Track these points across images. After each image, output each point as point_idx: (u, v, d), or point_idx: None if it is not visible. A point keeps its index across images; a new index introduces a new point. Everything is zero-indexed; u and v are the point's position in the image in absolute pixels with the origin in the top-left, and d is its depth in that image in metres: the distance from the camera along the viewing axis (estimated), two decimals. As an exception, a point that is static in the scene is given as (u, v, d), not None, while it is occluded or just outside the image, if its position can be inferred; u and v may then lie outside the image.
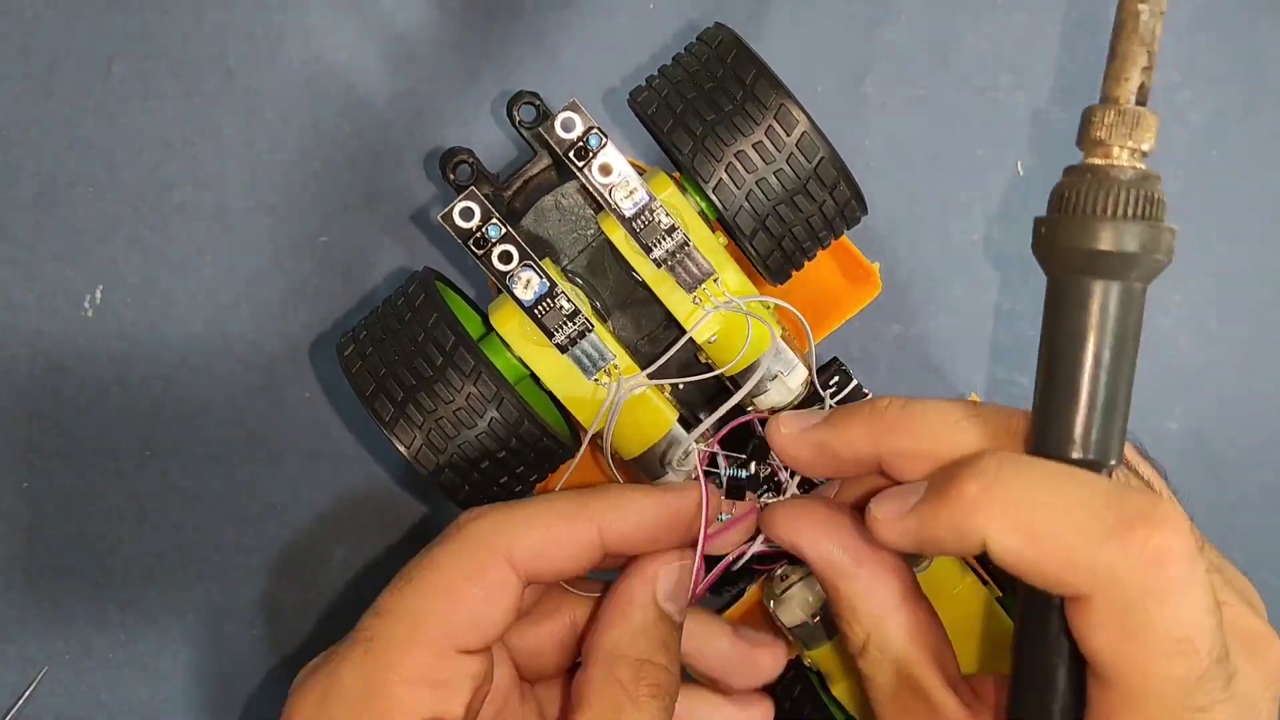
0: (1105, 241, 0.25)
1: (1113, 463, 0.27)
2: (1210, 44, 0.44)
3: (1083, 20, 0.44)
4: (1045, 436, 0.27)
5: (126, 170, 0.44)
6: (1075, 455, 0.26)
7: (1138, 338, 0.26)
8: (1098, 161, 0.26)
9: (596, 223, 0.36)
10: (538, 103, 0.37)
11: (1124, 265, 0.25)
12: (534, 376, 0.36)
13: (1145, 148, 0.25)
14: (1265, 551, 0.44)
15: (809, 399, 0.37)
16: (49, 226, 0.44)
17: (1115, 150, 0.25)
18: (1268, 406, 0.44)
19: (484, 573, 0.30)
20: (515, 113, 0.37)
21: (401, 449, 0.34)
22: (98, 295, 0.44)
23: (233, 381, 0.44)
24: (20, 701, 0.44)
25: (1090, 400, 0.26)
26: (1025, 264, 0.44)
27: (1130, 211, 0.25)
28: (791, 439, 0.32)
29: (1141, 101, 0.25)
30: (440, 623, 0.29)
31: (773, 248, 0.35)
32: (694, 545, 0.33)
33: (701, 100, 0.34)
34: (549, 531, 0.31)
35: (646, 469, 0.36)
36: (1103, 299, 0.25)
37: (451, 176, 0.38)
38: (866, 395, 0.38)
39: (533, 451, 0.35)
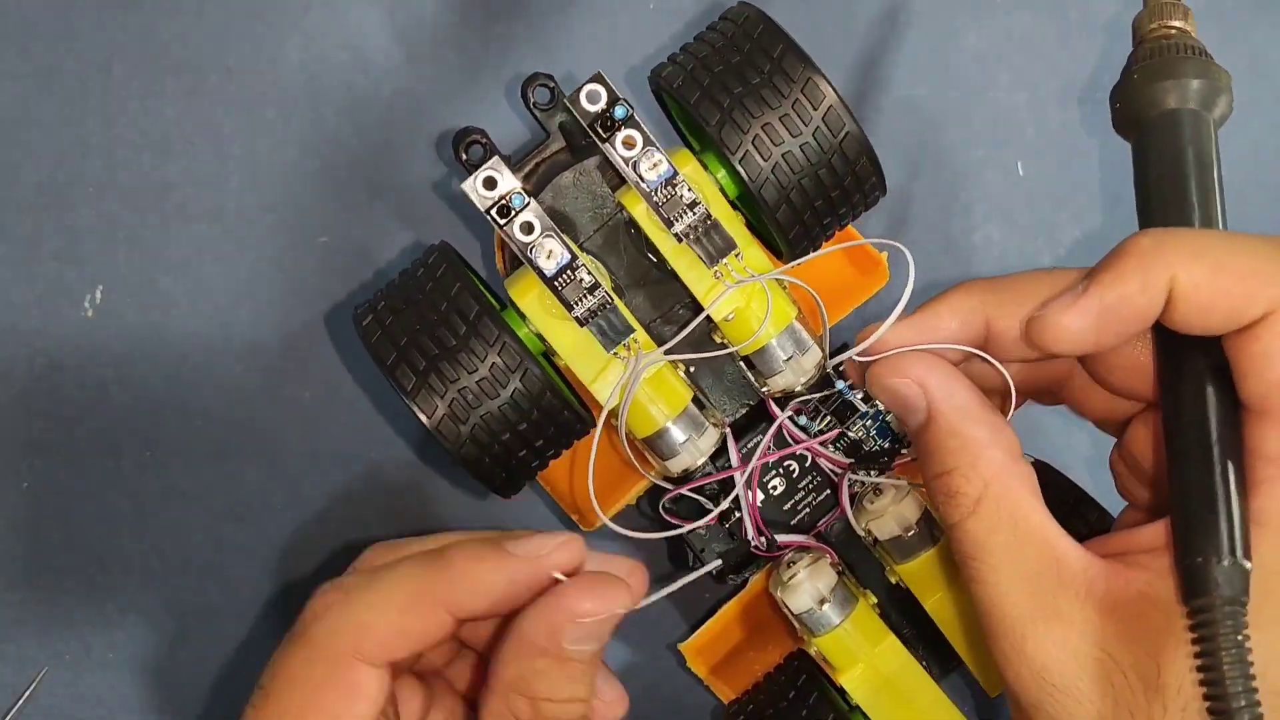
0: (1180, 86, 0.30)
1: None
2: (1210, 44, 0.44)
3: (1083, 20, 0.44)
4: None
5: (126, 170, 0.44)
6: None
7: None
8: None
9: (614, 201, 0.36)
10: (552, 85, 0.37)
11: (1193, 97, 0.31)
12: (549, 352, 0.36)
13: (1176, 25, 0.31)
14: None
15: (819, 385, 0.37)
16: (49, 226, 0.44)
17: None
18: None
19: (337, 677, 0.29)
20: (530, 94, 0.37)
21: (424, 419, 0.34)
22: (98, 295, 0.44)
23: (233, 381, 0.44)
24: (20, 701, 0.44)
25: (1201, 202, 0.29)
26: (1025, 263, 0.44)
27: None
28: (1076, 323, 0.27)
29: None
30: None
31: (795, 221, 0.35)
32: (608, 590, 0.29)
33: (729, 73, 0.34)
34: (395, 622, 0.29)
35: (658, 448, 0.36)
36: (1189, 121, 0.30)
37: (464, 156, 0.38)
38: None
39: (552, 425, 0.35)
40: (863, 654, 0.37)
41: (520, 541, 0.30)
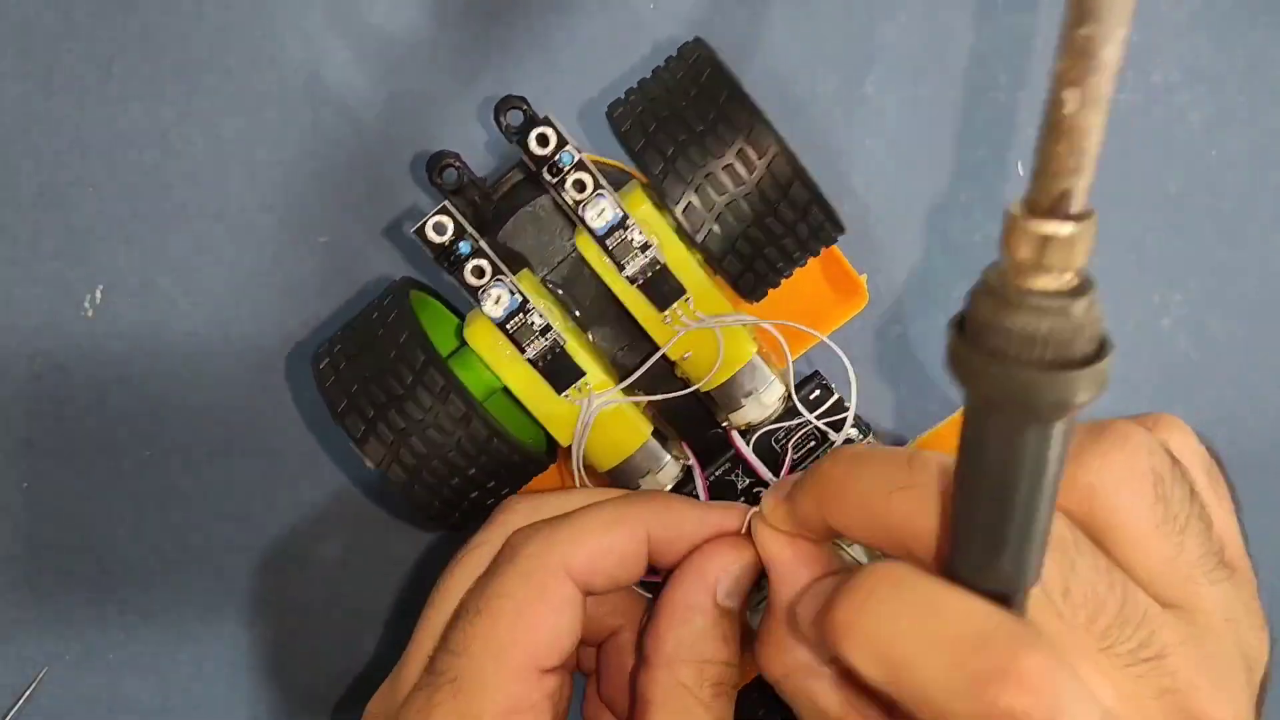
0: (1012, 391, 0.21)
1: (1022, 591, 0.24)
2: (1210, 44, 0.44)
3: (1083, 20, 0.44)
4: (952, 561, 0.24)
5: (126, 170, 0.44)
6: (982, 585, 0.24)
7: (1060, 470, 0.22)
8: (1012, 290, 0.20)
9: (572, 232, 0.36)
10: (525, 108, 0.37)
11: (1037, 413, 0.21)
12: (507, 390, 0.36)
13: (1077, 265, 0.20)
14: (1265, 553, 0.44)
15: (786, 414, 0.37)
16: (49, 226, 0.44)
17: (1037, 279, 0.20)
18: (1268, 406, 0.44)
19: (550, 592, 0.30)
20: (503, 118, 0.37)
21: (371, 465, 0.34)
22: (98, 295, 0.44)
23: (233, 381, 0.44)
24: (20, 702, 0.44)
25: (995, 535, 0.23)
26: (1025, 264, 0.44)
27: (1043, 359, 0.20)
28: (776, 520, 0.30)
29: (1070, 214, 0.20)
30: (522, 650, 0.30)
31: (744, 269, 0.34)
32: (743, 542, 0.32)
33: (674, 119, 0.33)
34: (600, 542, 0.31)
35: (621, 483, 0.36)
36: (1017, 439, 0.22)
37: (438, 181, 0.38)
38: (847, 410, 0.38)
39: (503, 468, 0.35)
40: None
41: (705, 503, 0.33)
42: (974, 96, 0.44)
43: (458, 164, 0.37)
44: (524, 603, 0.30)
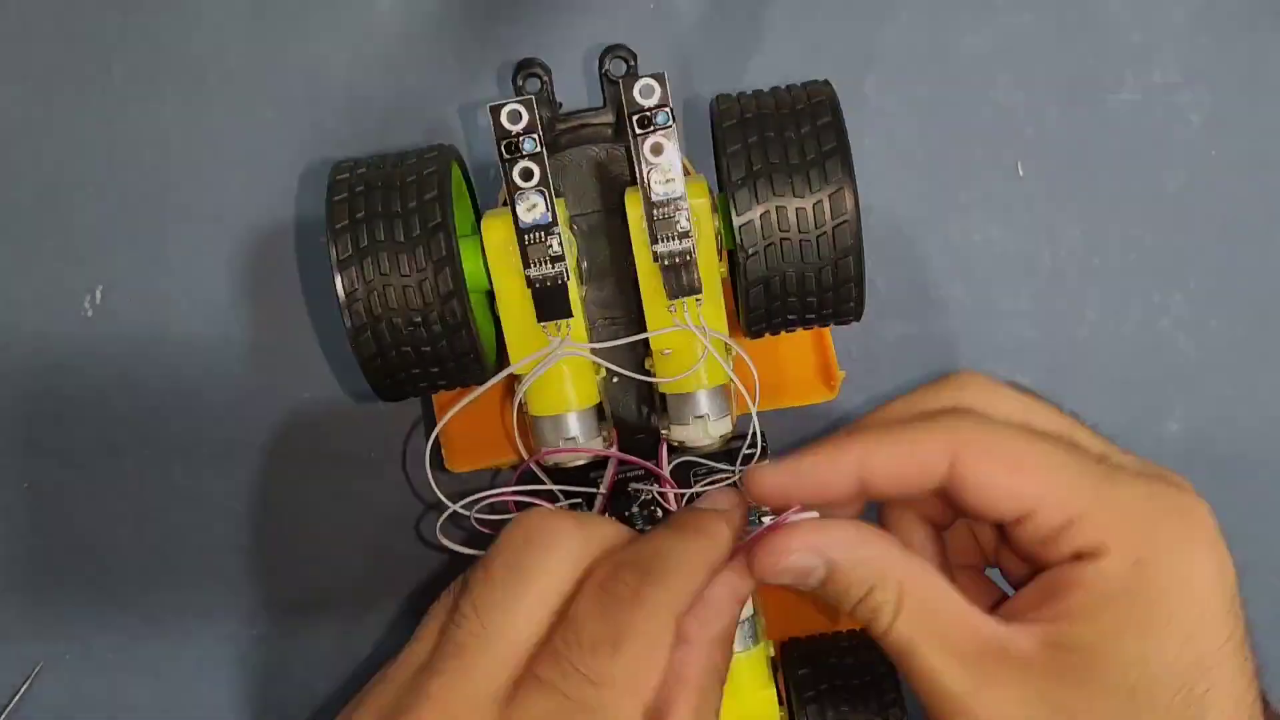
0: None
1: None
2: (1210, 44, 0.44)
3: (1083, 20, 0.44)
4: None
5: (126, 170, 0.44)
6: None
7: None
8: None
9: (617, 192, 0.36)
10: (632, 62, 0.38)
11: None
12: (491, 295, 0.35)
13: None
14: (1265, 552, 0.44)
15: (719, 454, 0.37)
16: (49, 226, 0.44)
17: None
18: (1268, 406, 0.44)
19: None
20: (606, 62, 0.37)
21: (341, 292, 0.34)
22: (98, 295, 0.44)
23: (233, 381, 0.44)
24: (15, 699, 0.44)
25: None
26: (1025, 263, 0.44)
27: None
28: (770, 480, 0.30)
29: None
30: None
31: (762, 304, 0.35)
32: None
33: (778, 141, 0.34)
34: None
35: (537, 434, 0.36)
36: None
37: (520, 83, 0.38)
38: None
39: (453, 360, 0.35)
40: (738, 692, 0.36)
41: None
42: (974, 96, 0.44)
43: (545, 77, 0.37)
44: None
